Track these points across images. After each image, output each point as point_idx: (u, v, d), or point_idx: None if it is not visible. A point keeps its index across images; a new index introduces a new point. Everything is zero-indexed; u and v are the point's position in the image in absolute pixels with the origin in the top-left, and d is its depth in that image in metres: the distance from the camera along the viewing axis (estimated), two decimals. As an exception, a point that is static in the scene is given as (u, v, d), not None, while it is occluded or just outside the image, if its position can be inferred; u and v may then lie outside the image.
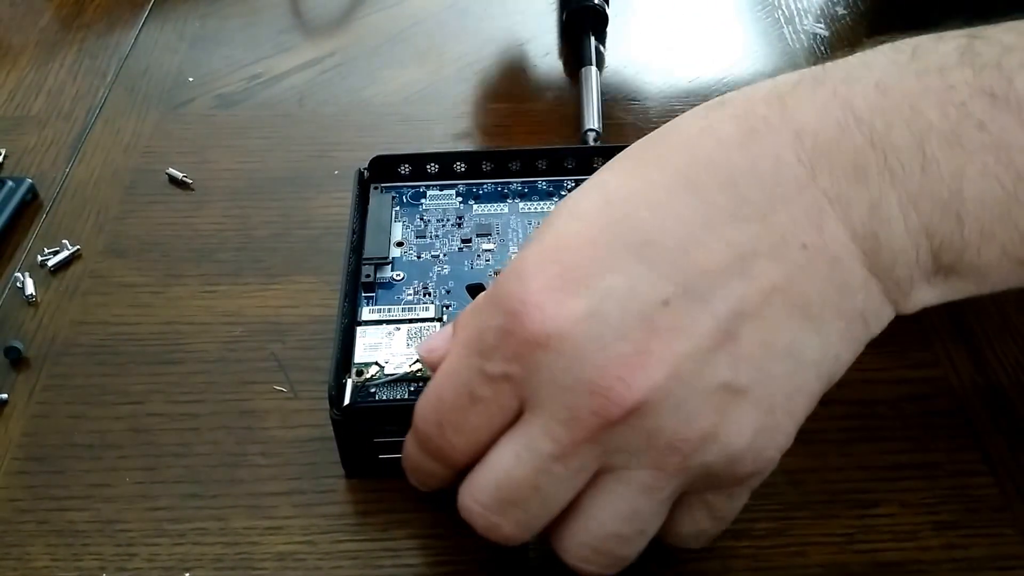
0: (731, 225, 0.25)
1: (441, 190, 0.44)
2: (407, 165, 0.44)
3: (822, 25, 0.59)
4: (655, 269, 0.25)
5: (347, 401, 0.34)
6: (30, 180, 0.49)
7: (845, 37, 0.58)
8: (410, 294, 0.39)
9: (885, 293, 0.26)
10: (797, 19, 0.59)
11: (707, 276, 0.25)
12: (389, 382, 0.35)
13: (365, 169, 0.44)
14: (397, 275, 0.40)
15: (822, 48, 0.57)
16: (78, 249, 0.46)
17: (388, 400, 0.35)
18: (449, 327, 0.30)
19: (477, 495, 0.28)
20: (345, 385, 0.35)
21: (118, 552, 0.35)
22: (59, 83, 0.57)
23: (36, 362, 0.41)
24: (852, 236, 0.25)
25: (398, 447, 0.33)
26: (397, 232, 0.42)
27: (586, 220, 0.26)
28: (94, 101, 0.56)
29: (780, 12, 0.60)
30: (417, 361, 0.35)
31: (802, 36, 0.58)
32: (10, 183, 0.48)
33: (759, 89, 0.27)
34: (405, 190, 0.44)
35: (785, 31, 0.59)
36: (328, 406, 0.34)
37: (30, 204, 0.49)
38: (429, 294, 0.39)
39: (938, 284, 0.27)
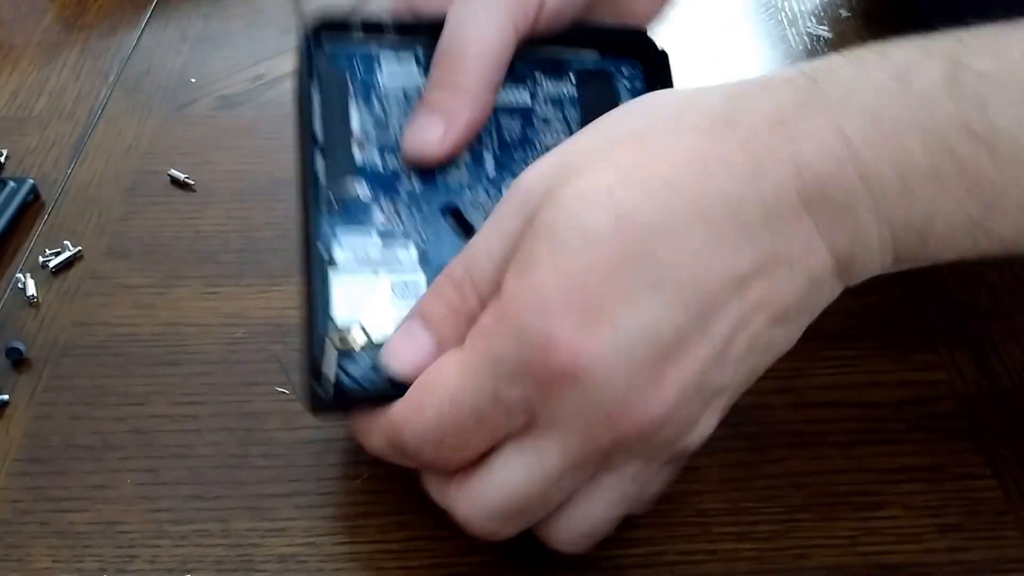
0: (734, 253, 0.27)
1: (399, 56, 0.36)
2: (361, 31, 0.35)
3: (824, 27, 0.59)
4: (672, 304, 0.27)
5: (333, 379, 0.30)
6: (32, 181, 0.49)
7: (847, 39, 0.58)
8: (382, 220, 0.33)
9: (844, 285, 0.30)
10: (800, 21, 0.59)
11: (712, 302, 0.27)
12: (377, 355, 0.30)
13: (309, 35, 0.35)
14: (364, 194, 0.33)
15: (824, 50, 0.57)
16: (80, 250, 0.46)
17: (380, 386, 0.30)
18: (417, 327, 0.30)
19: (481, 506, 0.29)
20: (326, 353, 0.30)
21: (119, 554, 0.35)
22: (61, 84, 0.57)
23: (37, 363, 0.41)
24: (832, 255, 0.28)
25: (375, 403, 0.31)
26: (354, 120, 0.34)
27: (602, 248, 0.27)
28: (96, 102, 0.56)
29: (783, 14, 0.60)
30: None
31: (805, 38, 0.58)
32: (12, 183, 0.48)
33: (761, 107, 0.28)
34: (357, 58, 0.35)
35: (788, 33, 0.59)
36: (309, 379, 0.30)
37: (32, 205, 0.49)
38: (401, 217, 0.33)
39: (888, 268, 0.30)
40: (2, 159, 0.51)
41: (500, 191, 0.34)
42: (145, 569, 0.34)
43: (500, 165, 0.35)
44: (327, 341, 0.30)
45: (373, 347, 0.31)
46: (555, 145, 0.32)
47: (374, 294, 0.31)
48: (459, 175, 0.35)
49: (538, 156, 0.32)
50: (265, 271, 0.45)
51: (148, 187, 0.50)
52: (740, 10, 0.61)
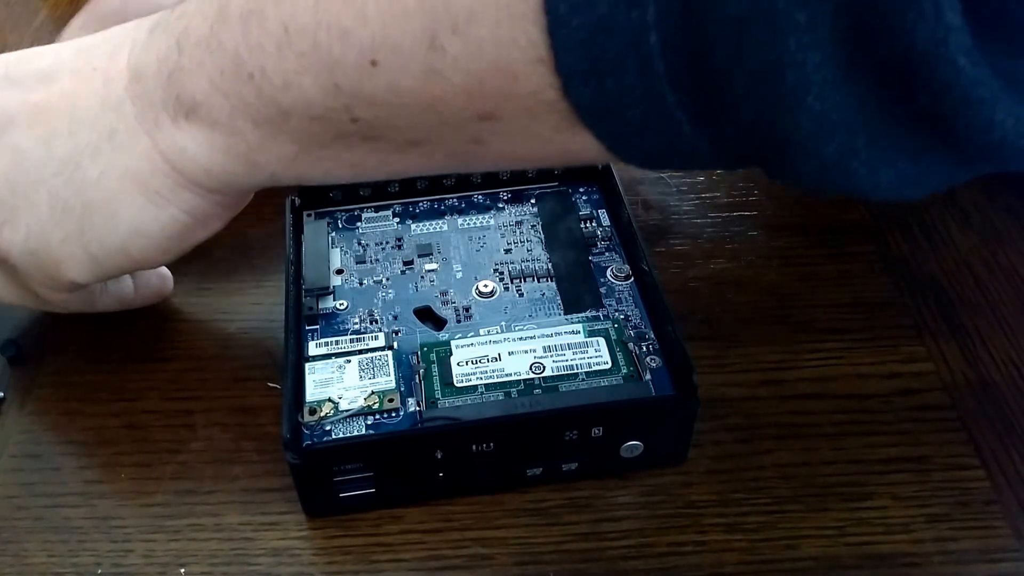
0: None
1: (376, 211, 0.43)
2: (338, 189, 0.43)
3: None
4: None
5: (303, 443, 0.33)
6: (25, 179, 0.49)
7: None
8: (356, 323, 0.38)
9: (137, 119, 0.32)
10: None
11: None
12: (344, 418, 0.34)
13: (296, 197, 0.43)
14: (340, 304, 0.39)
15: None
16: (73, 248, 0.46)
17: (346, 438, 0.34)
18: None
19: None
20: (300, 426, 0.34)
21: (114, 548, 0.35)
22: (54, 82, 0.57)
23: (32, 360, 0.41)
24: (127, 64, 0.32)
25: (359, 484, 0.34)
26: (336, 259, 0.41)
27: None
28: (89, 100, 0.56)
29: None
30: (373, 393, 0.35)
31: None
32: (5, 182, 0.48)
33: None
34: (340, 215, 0.43)
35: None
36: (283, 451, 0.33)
37: (25, 203, 0.49)
38: (376, 321, 0.38)
39: (184, 128, 0.32)
40: (-5, 158, 0.52)
41: (468, 291, 0.39)
42: (140, 563, 0.34)
43: (466, 266, 0.41)
44: (300, 417, 0.34)
45: (341, 413, 0.34)
46: (515, 248, 0.41)
47: (344, 375, 0.36)
48: (427, 284, 0.40)
49: (502, 257, 0.41)
50: (257, 267, 0.45)
51: (141, 185, 0.50)
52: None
